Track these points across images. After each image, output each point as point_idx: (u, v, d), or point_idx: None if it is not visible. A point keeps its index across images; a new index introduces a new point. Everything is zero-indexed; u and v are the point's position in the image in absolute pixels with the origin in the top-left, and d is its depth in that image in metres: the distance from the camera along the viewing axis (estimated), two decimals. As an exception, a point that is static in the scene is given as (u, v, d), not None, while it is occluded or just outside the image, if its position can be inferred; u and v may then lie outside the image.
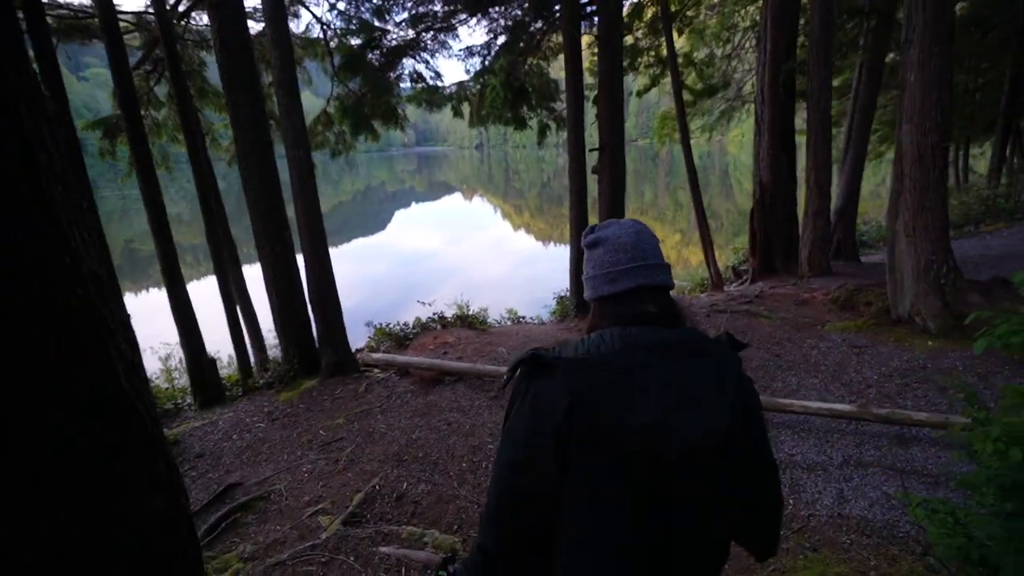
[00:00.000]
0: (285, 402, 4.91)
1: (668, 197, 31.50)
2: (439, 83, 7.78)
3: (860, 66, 10.82)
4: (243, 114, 4.76)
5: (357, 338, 7.74)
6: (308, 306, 5.34)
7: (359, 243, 21.37)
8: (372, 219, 29.91)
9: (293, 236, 5.33)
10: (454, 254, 18.42)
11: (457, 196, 43.19)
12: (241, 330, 6.06)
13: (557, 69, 10.83)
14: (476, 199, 40.25)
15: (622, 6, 6.74)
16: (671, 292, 0.90)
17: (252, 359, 6.43)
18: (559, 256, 18.59)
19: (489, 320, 7.96)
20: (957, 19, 11.70)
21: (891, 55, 10.01)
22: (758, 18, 10.30)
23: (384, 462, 3.60)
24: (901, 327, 4.62)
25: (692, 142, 9.02)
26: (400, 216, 30.88)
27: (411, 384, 4.99)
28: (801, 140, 9.29)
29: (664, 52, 8.79)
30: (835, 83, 9.29)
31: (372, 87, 6.81)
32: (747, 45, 10.90)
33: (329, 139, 8.77)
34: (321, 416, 4.52)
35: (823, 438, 3.22)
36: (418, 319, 7.37)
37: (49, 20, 5.46)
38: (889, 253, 4.64)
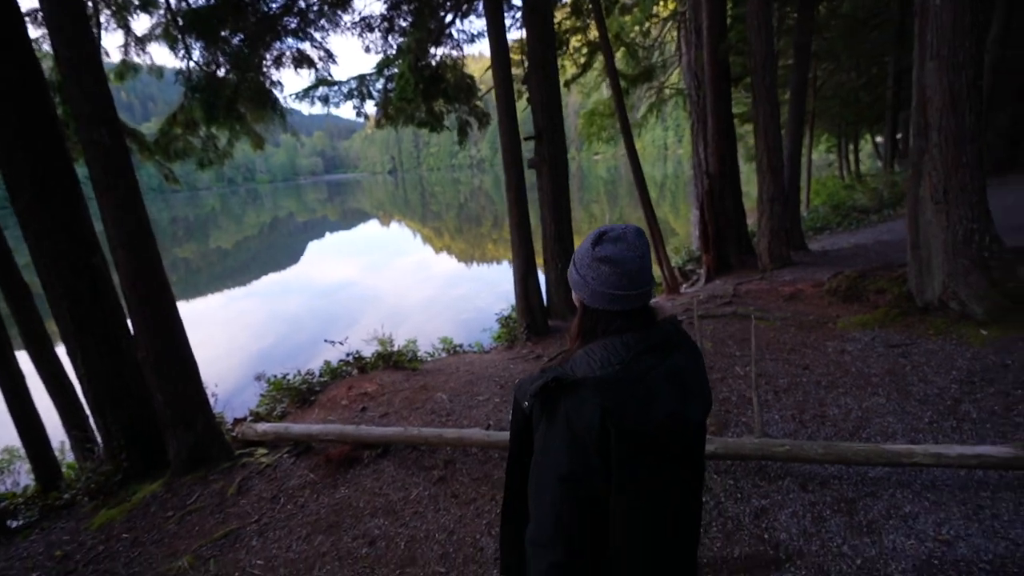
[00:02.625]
0: (100, 530, 3.05)
1: (582, 211, 31.90)
2: (332, 66, 6.22)
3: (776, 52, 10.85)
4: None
5: (246, 400, 5.85)
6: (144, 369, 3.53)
7: (271, 279, 19.09)
8: (283, 252, 27.91)
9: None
10: (375, 282, 16.76)
11: (374, 223, 40.96)
12: (39, 419, 3.98)
13: (473, 66, 9.72)
14: (394, 225, 38.28)
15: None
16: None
17: (75, 458, 4.36)
18: (483, 275, 17.42)
19: (420, 354, 6.44)
20: (841, 20, 12.24)
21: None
22: (678, 7, 9.94)
23: (251, 652, 1.98)
24: (933, 316, 3.78)
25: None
26: (314, 247, 28.92)
27: (312, 470, 3.35)
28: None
29: (592, 35, 7.93)
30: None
31: (233, 62, 5.13)
32: (668, 37, 10.49)
33: (194, 145, 6.84)
34: (157, 553, 2.75)
35: (968, 501, 2.07)
36: (327, 364, 5.66)
37: None
38: (910, 227, 3.82)
